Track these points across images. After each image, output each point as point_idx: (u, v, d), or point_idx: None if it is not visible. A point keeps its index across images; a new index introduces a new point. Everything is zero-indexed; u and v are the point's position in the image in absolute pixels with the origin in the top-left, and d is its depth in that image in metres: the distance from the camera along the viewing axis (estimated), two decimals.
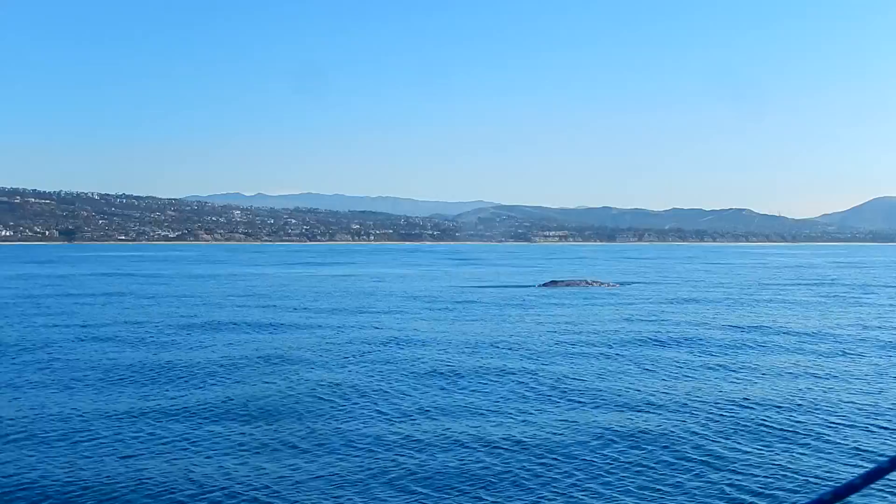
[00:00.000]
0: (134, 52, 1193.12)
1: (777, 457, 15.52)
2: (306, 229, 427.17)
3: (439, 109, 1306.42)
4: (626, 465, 14.98)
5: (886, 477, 1.95)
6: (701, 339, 32.48)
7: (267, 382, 22.69)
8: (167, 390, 21.59)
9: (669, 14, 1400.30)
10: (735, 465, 15.03)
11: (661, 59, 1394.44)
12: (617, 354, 28.40)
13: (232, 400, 20.32)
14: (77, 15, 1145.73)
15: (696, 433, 17.24)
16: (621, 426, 17.80)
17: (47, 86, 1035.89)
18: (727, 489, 13.75)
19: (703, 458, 15.41)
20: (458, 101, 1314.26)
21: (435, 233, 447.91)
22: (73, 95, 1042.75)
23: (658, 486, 13.83)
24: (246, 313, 42.91)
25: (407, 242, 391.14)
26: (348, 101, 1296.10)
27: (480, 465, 14.98)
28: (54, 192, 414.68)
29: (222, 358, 27.06)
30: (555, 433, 17.25)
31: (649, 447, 16.20)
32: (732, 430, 17.49)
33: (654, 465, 15.04)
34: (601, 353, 28.56)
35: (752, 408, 19.63)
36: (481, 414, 19.09)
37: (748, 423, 18.08)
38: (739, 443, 16.52)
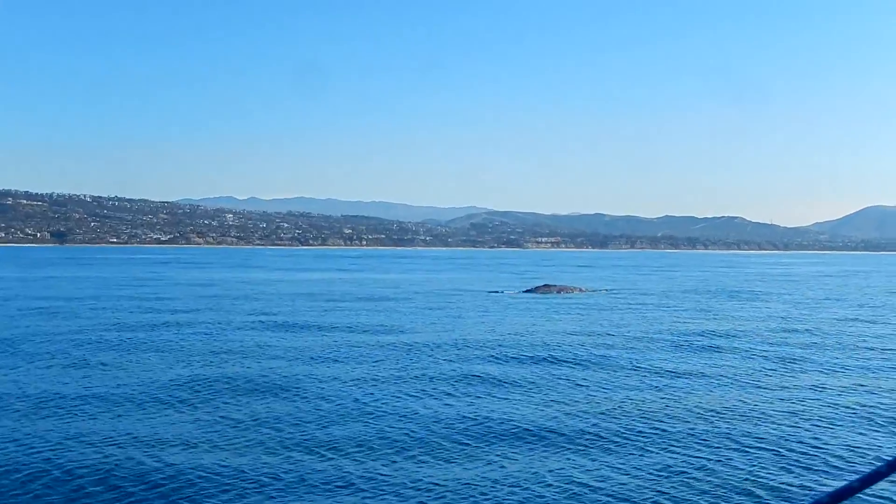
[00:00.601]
0: (127, 55, 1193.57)
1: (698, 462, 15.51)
2: (299, 233, 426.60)
3: (433, 114, 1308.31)
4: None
5: (884, 480, 1.98)
6: (638, 350, 32.50)
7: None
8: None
9: (663, 20, 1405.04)
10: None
11: (656, 65, 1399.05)
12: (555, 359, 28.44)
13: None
14: (70, 16, 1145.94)
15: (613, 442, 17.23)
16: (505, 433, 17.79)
17: (40, 87, 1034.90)
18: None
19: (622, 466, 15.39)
20: (452, 107, 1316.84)
21: (427, 238, 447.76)
22: (65, 97, 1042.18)
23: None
24: (195, 317, 42.86)
25: (399, 248, 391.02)
26: (342, 105, 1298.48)
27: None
28: (46, 193, 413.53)
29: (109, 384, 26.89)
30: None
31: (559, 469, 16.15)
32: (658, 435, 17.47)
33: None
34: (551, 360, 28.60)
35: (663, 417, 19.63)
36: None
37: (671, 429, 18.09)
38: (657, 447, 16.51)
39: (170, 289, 69.23)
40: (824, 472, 15.40)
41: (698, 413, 20.26)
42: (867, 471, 1.97)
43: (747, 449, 16.90)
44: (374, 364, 27.49)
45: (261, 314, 45.35)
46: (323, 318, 43.17)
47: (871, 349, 33.27)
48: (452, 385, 23.70)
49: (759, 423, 19.28)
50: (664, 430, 18.37)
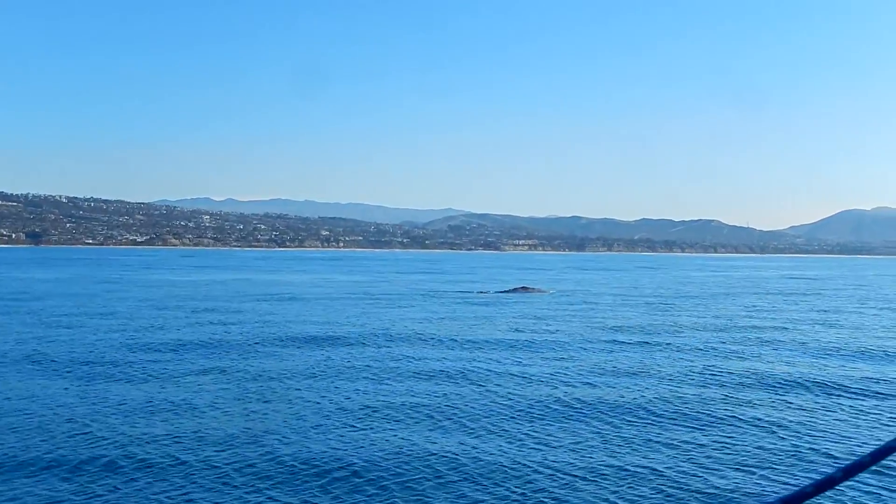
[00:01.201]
0: (103, 57, 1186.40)
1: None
2: (276, 235, 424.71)
3: (412, 117, 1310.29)
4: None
5: (866, 471, 1.98)
6: (577, 344, 32.54)
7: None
8: None
9: (643, 25, 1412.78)
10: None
11: (637, 70, 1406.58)
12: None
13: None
14: (47, 16, 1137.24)
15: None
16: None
17: (15, 87, 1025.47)
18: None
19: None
20: (429, 109, 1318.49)
21: (405, 240, 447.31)
22: (41, 97, 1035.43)
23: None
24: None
25: (376, 250, 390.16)
26: (320, 108, 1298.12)
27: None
28: (21, 194, 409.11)
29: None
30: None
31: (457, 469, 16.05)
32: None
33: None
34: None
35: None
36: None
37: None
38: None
39: (119, 290, 68.74)
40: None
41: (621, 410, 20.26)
42: (850, 461, 1.99)
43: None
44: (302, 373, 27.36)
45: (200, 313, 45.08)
46: (264, 320, 42.86)
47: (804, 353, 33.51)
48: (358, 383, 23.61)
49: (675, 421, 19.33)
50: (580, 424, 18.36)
